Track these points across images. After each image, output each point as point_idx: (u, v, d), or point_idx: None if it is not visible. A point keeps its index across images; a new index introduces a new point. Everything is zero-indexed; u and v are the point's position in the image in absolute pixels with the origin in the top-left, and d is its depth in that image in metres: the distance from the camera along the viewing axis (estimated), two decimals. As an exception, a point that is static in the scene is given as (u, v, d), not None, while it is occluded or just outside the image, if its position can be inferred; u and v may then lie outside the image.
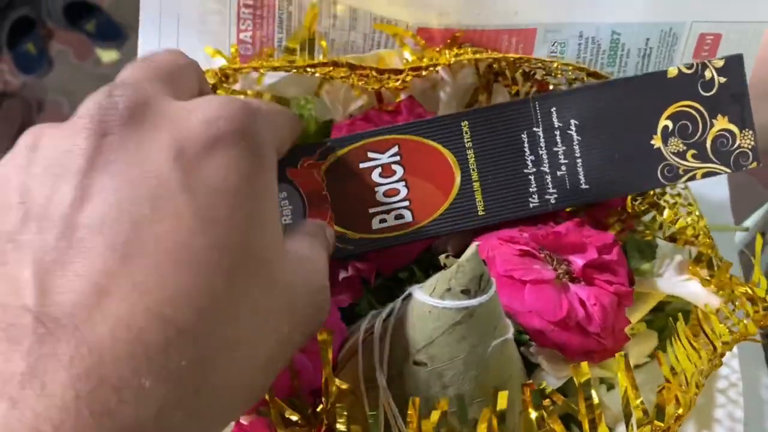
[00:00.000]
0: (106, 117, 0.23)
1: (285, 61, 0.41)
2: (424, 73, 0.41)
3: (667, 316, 0.43)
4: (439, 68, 0.42)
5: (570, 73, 0.43)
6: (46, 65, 1.82)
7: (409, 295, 0.32)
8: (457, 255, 0.30)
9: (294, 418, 0.30)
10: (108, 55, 1.84)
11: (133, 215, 0.21)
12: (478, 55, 0.42)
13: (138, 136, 0.23)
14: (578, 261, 0.36)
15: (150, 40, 0.42)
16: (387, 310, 0.32)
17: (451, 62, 0.42)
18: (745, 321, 0.36)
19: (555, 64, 0.42)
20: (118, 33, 1.85)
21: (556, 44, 0.44)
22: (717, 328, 0.35)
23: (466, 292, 0.29)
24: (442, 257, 0.30)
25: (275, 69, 0.40)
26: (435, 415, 0.28)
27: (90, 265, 0.20)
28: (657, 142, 0.39)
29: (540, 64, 0.42)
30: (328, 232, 0.33)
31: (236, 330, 0.22)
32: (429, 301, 0.30)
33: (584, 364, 0.31)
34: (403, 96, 0.44)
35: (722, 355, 0.36)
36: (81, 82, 1.80)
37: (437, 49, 0.43)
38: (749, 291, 0.37)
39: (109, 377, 0.19)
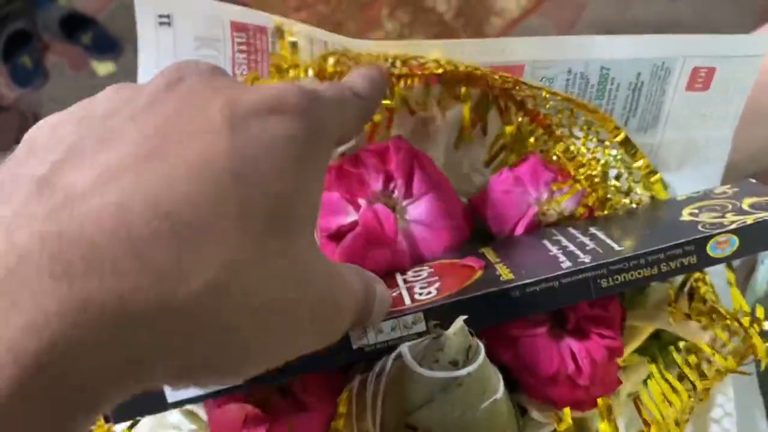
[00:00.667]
0: (182, 71, 0.24)
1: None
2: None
3: (662, 345, 0.44)
4: (434, 108, 0.43)
5: (558, 103, 0.43)
6: (41, 78, 1.83)
7: (400, 356, 0.31)
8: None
9: None
10: (104, 68, 1.84)
11: (168, 132, 0.21)
12: (471, 70, 0.42)
13: (203, 88, 0.23)
14: (572, 313, 0.37)
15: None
16: (378, 367, 0.32)
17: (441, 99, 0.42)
18: (725, 356, 0.36)
19: (543, 93, 0.43)
20: (114, 45, 1.86)
21: (543, 80, 0.44)
22: (693, 370, 0.36)
23: (454, 363, 0.30)
24: (430, 324, 0.31)
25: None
26: None
27: (107, 157, 0.21)
28: (686, 217, 0.38)
29: (528, 91, 0.43)
30: (379, 287, 0.31)
31: (230, 253, 0.21)
32: (417, 369, 0.30)
33: (566, 412, 0.31)
34: (392, 133, 0.44)
35: (707, 389, 0.36)
36: (77, 95, 1.77)
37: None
38: (731, 322, 0.37)
39: (81, 244, 0.18)
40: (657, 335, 0.44)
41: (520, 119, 0.44)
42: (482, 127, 0.45)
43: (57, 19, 1.84)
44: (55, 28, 1.85)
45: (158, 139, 0.21)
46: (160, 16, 0.40)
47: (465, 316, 0.30)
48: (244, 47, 0.42)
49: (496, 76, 0.42)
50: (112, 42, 1.86)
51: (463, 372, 0.29)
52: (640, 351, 0.43)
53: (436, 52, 0.42)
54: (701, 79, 0.45)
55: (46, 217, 0.19)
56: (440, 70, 0.41)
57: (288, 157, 0.23)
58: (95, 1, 1.95)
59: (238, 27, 0.41)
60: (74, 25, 1.86)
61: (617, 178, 0.44)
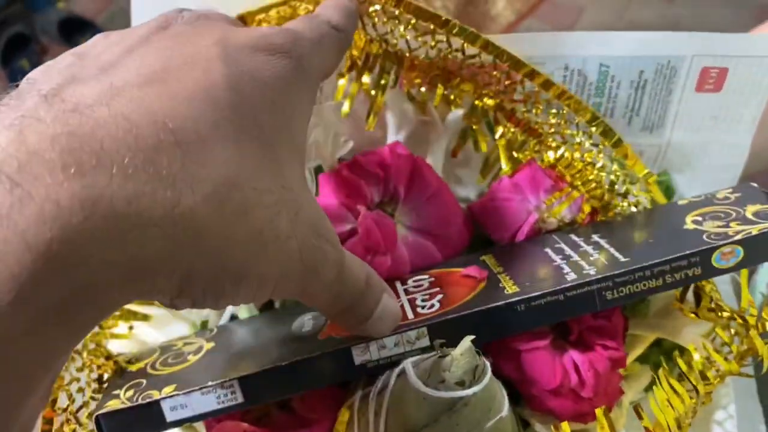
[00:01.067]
0: (169, 18, 0.26)
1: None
2: None
3: (663, 352, 0.43)
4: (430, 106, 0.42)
5: (551, 111, 0.42)
6: (40, 81, 1.82)
7: (403, 372, 0.31)
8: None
9: None
10: (102, 70, 1.84)
11: (167, 61, 0.23)
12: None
13: (193, 29, 0.25)
14: (575, 325, 0.36)
15: None
16: (381, 383, 0.32)
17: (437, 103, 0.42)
18: (727, 358, 0.36)
19: (532, 99, 0.42)
20: (113, 47, 1.85)
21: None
22: (695, 374, 0.35)
23: (460, 383, 0.29)
24: (436, 343, 0.30)
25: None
26: None
27: (111, 80, 0.22)
28: (690, 225, 0.37)
29: (521, 95, 0.42)
30: (387, 296, 0.31)
31: (228, 170, 0.22)
32: (423, 389, 0.29)
33: (565, 427, 0.31)
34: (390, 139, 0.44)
35: (708, 393, 0.36)
36: None
37: None
38: (737, 318, 0.36)
39: (93, 144, 0.19)
40: (658, 343, 0.43)
41: (512, 130, 0.43)
42: (474, 142, 0.44)
43: (55, 23, 1.84)
44: (54, 32, 1.85)
45: (158, 66, 0.23)
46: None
47: (472, 337, 0.30)
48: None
49: (495, 72, 0.41)
50: (111, 44, 1.85)
51: (469, 392, 0.29)
52: (641, 359, 0.43)
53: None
54: (712, 79, 0.43)
55: (56, 118, 0.20)
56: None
57: (276, 91, 0.24)
58: (94, 4, 1.94)
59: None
60: (72, 28, 1.86)
61: (613, 182, 0.43)
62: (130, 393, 0.33)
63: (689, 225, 0.36)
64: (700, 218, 0.36)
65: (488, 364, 0.30)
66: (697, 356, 0.36)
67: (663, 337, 0.40)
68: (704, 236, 0.34)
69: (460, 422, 0.29)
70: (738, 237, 0.33)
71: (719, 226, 0.35)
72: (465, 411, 0.29)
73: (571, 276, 0.34)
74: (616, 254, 0.35)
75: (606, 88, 0.44)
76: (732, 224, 0.35)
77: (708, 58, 0.43)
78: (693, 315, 0.38)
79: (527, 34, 0.42)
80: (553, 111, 0.42)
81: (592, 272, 0.33)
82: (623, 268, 0.33)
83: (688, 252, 0.33)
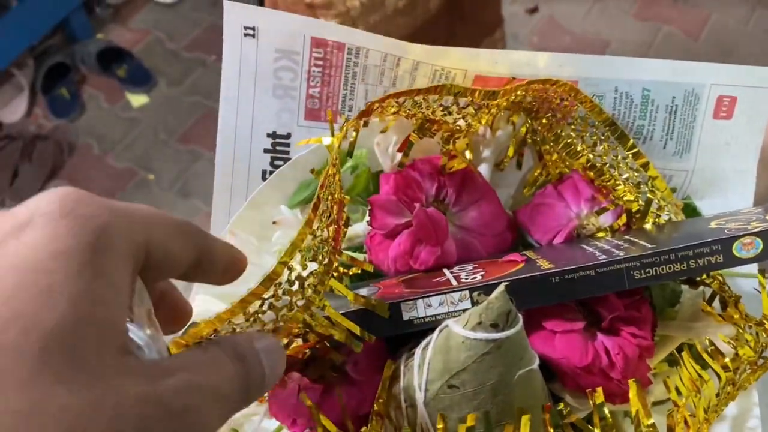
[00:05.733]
0: (32, 213, 0.24)
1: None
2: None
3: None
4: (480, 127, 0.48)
5: (595, 134, 0.48)
6: (78, 109, 1.93)
7: (446, 326, 0.38)
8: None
9: None
10: (138, 100, 1.94)
11: None
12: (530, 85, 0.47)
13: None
14: (606, 313, 0.42)
15: (231, 90, 0.49)
16: (425, 341, 0.39)
17: (491, 122, 0.47)
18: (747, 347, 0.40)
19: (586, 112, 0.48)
20: (148, 78, 1.96)
21: (594, 96, 0.48)
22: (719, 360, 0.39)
23: (494, 326, 0.36)
24: (474, 294, 0.35)
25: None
26: (462, 429, 0.33)
27: None
28: (713, 226, 0.43)
29: (573, 122, 0.48)
30: (264, 342, 0.30)
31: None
32: (462, 333, 0.36)
33: (599, 391, 0.37)
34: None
35: (731, 383, 0.39)
36: (111, 126, 1.90)
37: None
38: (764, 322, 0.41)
39: None
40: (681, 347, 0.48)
41: (554, 156, 0.49)
42: (517, 161, 0.51)
43: (94, 53, 1.96)
44: (92, 62, 1.96)
45: None
46: (246, 28, 0.46)
47: (506, 282, 0.37)
48: (320, 62, 0.47)
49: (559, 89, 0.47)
50: (147, 74, 1.96)
51: (502, 335, 0.34)
52: (669, 362, 0.47)
53: (502, 67, 0.47)
54: (725, 107, 0.50)
55: None
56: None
57: (46, 271, 0.22)
58: (131, 35, 2.06)
59: (317, 42, 0.47)
60: (110, 58, 1.97)
61: (650, 200, 0.48)
62: None
63: (713, 226, 0.43)
64: (723, 222, 0.43)
65: (520, 315, 0.35)
66: (722, 344, 0.40)
67: (691, 337, 0.45)
68: (726, 230, 0.40)
69: (494, 364, 0.35)
70: (757, 229, 0.39)
71: (740, 225, 0.41)
72: (498, 353, 0.35)
73: (602, 257, 0.40)
74: (645, 243, 0.42)
75: (648, 111, 0.51)
76: (752, 223, 0.41)
77: (722, 87, 0.50)
78: (720, 318, 0.42)
79: (583, 56, 0.50)
80: (600, 136, 0.47)
81: (621, 254, 0.40)
82: (650, 251, 0.39)
83: (709, 240, 0.39)
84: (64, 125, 1.90)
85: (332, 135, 0.48)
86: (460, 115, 0.46)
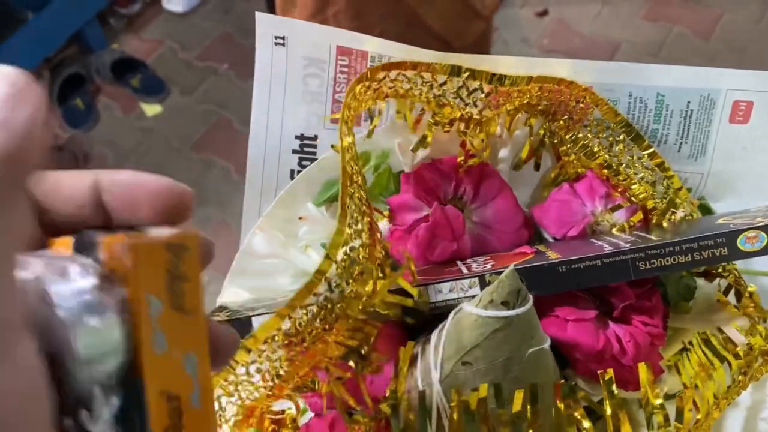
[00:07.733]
0: None
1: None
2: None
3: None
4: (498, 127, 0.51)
5: (611, 135, 0.51)
6: (93, 119, 1.98)
7: (461, 309, 0.42)
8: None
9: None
10: (151, 109, 1.99)
11: None
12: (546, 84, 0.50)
13: None
14: (618, 302, 0.45)
15: (262, 94, 0.54)
16: (441, 325, 0.43)
17: (509, 126, 0.51)
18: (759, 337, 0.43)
19: (603, 115, 0.51)
20: (161, 87, 2.01)
21: (609, 101, 0.51)
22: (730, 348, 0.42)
23: (505, 304, 0.39)
24: (486, 276, 0.38)
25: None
26: (474, 397, 0.38)
27: None
28: (720, 222, 0.46)
29: (589, 124, 0.51)
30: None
31: None
32: (474, 311, 0.39)
33: (610, 372, 0.40)
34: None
35: (743, 372, 0.42)
36: (125, 135, 1.95)
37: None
38: None
39: None
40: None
41: (572, 157, 0.51)
42: (535, 162, 0.55)
43: (109, 64, 2.01)
44: (107, 72, 2.00)
45: None
46: (276, 37, 0.50)
47: (516, 263, 0.41)
48: (345, 69, 0.51)
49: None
50: (160, 84, 2.01)
51: (513, 312, 0.38)
52: (681, 351, 0.50)
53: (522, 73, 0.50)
54: (741, 112, 0.54)
55: None
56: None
57: None
58: (144, 45, 2.11)
59: (342, 51, 0.50)
60: (124, 68, 2.02)
61: (671, 201, 0.51)
62: None
63: (720, 222, 0.47)
64: (730, 218, 0.47)
65: (530, 295, 0.40)
66: (735, 334, 0.43)
67: (705, 329, 0.49)
68: (731, 225, 0.44)
69: (506, 341, 0.39)
70: (761, 224, 0.42)
71: (745, 220, 0.45)
72: (509, 330, 0.39)
73: (609, 248, 0.44)
74: (651, 237, 0.45)
75: (662, 116, 0.55)
76: (757, 219, 0.44)
77: (738, 92, 0.53)
78: (735, 308, 0.45)
79: (598, 62, 0.54)
80: (617, 138, 0.51)
81: (627, 246, 0.43)
82: (655, 243, 0.43)
83: (714, 233, 0.42)
84: (80, 135, 1.96)
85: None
86: (471, 100, 0.49)
